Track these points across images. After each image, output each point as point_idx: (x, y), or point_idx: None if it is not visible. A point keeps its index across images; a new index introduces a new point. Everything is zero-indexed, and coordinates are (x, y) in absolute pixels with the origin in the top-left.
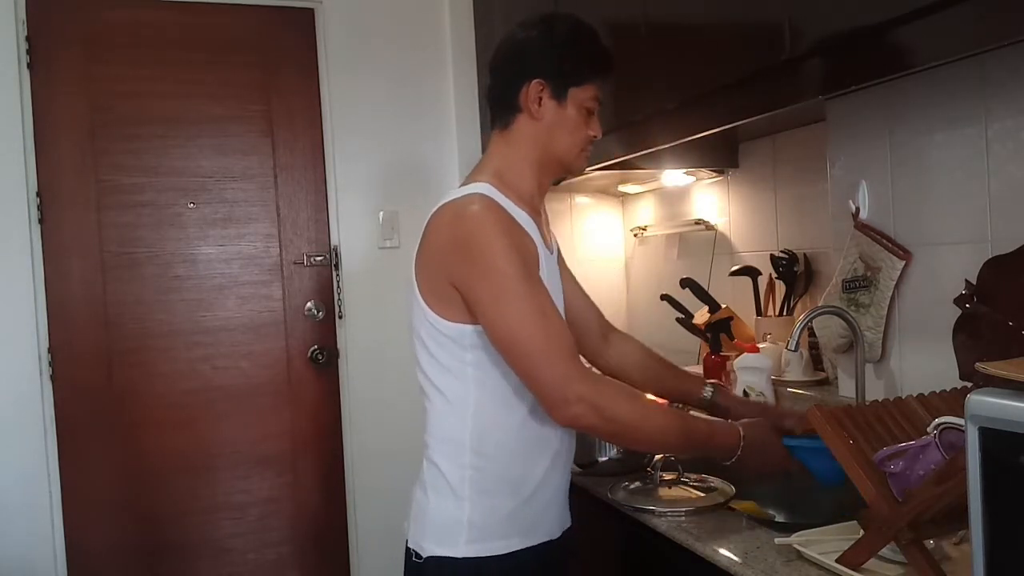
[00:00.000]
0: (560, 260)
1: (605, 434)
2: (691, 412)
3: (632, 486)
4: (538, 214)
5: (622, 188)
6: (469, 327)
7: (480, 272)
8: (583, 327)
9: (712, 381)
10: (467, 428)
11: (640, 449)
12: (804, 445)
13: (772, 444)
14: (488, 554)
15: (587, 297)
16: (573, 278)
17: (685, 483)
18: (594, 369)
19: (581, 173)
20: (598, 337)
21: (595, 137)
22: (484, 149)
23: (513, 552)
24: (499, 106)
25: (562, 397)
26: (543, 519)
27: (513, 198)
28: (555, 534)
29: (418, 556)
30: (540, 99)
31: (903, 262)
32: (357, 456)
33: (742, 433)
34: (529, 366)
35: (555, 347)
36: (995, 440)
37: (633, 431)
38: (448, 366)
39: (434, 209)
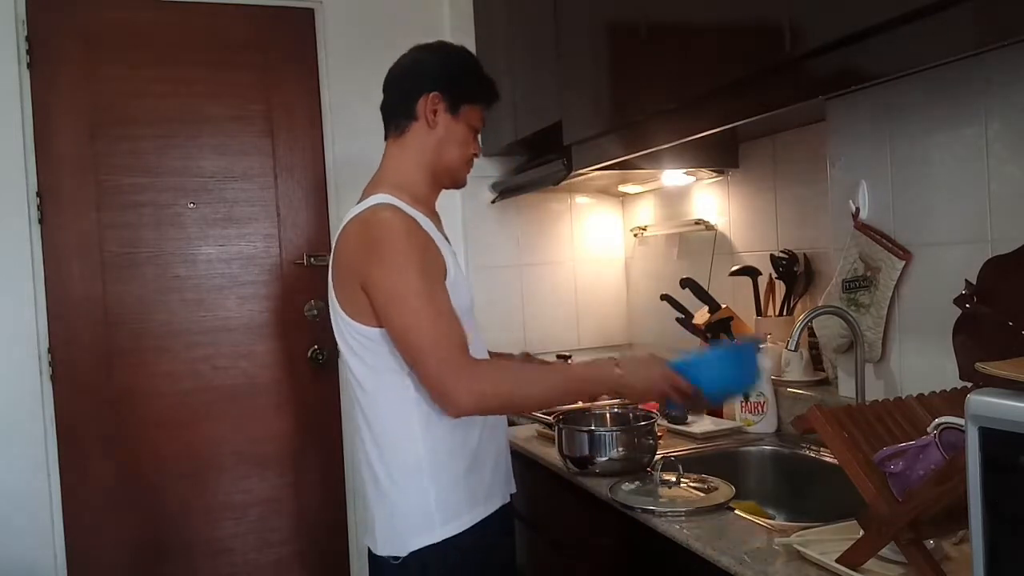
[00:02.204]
0: None
1: (496, 412)
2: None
3: (632, 486)
4: (435, 215)
5: (622, 188)
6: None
7: (382, 272)
8: None
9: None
10: (412, 413)
11: (534, 411)
12: (690, 361)
13: (654, 363)
14: (462, 529)
15: None
16: None
17: (685, 483)
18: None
19: (463, 185)
20: None
21: (476, 155)
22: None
23: (481, 520)
24: (395, 115)
25: (447, 393)
26: (494, 484)
27: (410, 201)
28: (507, 498)
29: (395, 558)
30: (436, 110)
31: (903, 262)
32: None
33: (618, 359)
34: (420, 363)
35: (444, 345)
36: (995, 440)
37: (521, 401)
38: (378, 366)
39: (341, 226)
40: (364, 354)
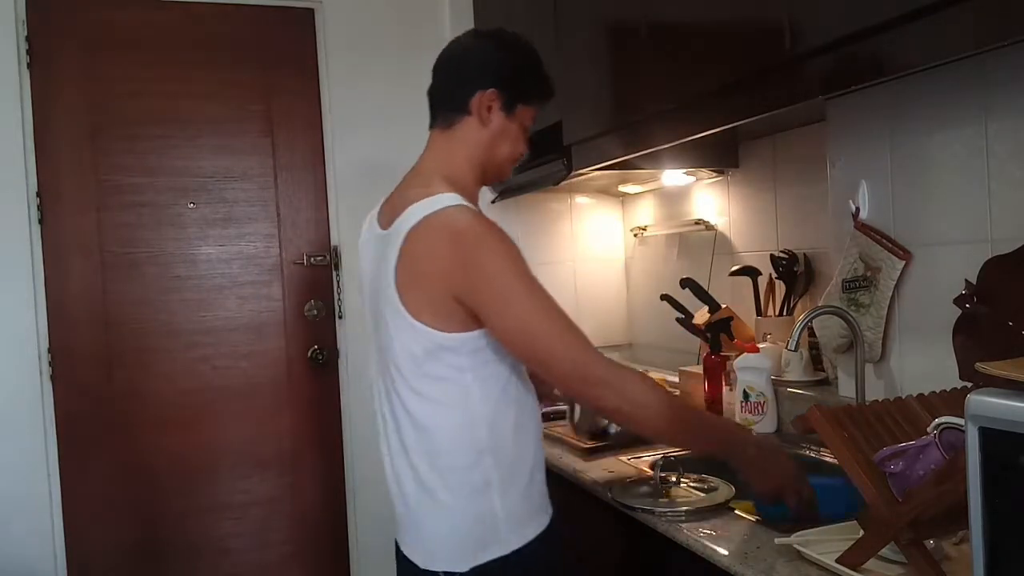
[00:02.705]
0: None
1: (623, 417)
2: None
3: (632, 486)
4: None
5: (622, 188)
6: (470, 334)
7: (488, 281)
8: None
9: None
10: (476, 425)
11: (653, 436)
12: (823, 483)
13: (782, 454)
14: (527, 540)
15: None
16: None
17: (685, 483)
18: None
19: (504, 183)
20: None
21: (523, 155)
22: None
23: (544, 530)
24: (444, 107)
25: (583, 378)
26: (544, 494)
27: (466, 199)
28: (552, 509)
29: (452, 574)
30: (491, 108)
31: (903, 262)
32: (357, 456)
33: (754, 435)
34: (550, 356)
35: (571, 336)
36: (995, 440)
37: (653, 418)
38: (443, 375)
39: (407, 223)
40: (431, 363)
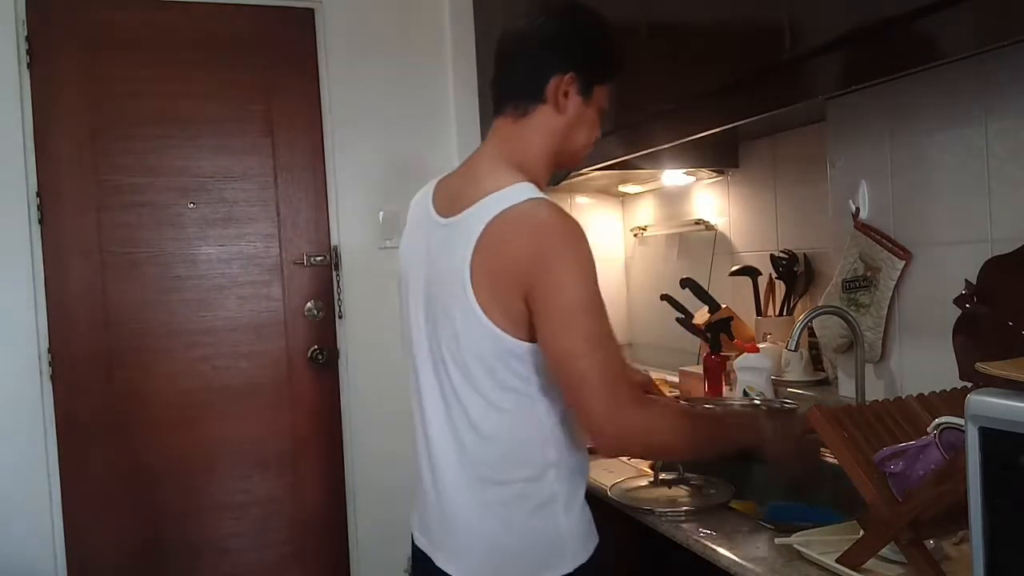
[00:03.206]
0: None
1: (647, 457)
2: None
3: (632, 486)
4: None
5: (622, 188)
6: (536, 344)
7: (558, 284)
8: None
9: None
10: (545, 440)
11: (674, 460)
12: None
13: (801, 431)
14: (590, 555)
15: None
16: None
17: (685, 483)
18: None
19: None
20: None
21: (599, 138)
22: (484, 136)
23: (599, 543)
24: (515, 95)
25: (608, 429)
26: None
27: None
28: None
29: None
30: (567, 93)
31: (903, 262)
32: (357, 456)
33: (764, 421)
34: (582, 394)
35: (609, 376)
36: (995, 440)
37: (675, 453)
38: (512, 385)
39: (484, 215)
40: (502, 370)
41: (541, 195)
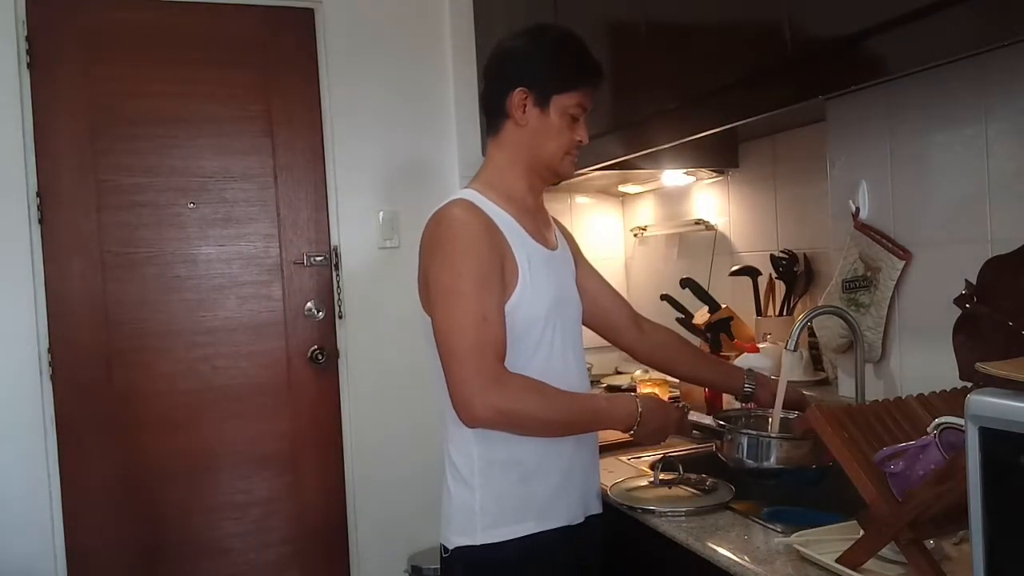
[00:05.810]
0: (576, 256)
1: (512, 431)
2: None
3: (632, 486)
4: (531, 214)
5: (622, 188)
6: None
7: (438, 268)
8: (615, 319)
9: (752, 371)
10: None
11: (541, 436)
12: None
13: (668, 407)
14: (504, 539)
15: (613, 289)
16: (596, 273)
17: (685, 483)
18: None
19: (571, 177)
20: (633, 328)
21: (581, 142)
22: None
23: (529, 535)
24: (489, 113)
25: (466, 403)
26: (557, 503)
27: (499, 201)
28: (577, 519)
29: (445, 550)
30: (524, 106)
31: (903, 262)
32: (357, 456)
33: (639, 405)
34: (450, 366)
35: (478, 354)
36: (995, 440)
37: (540, 427)
38: None
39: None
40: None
41: (467, 198)
